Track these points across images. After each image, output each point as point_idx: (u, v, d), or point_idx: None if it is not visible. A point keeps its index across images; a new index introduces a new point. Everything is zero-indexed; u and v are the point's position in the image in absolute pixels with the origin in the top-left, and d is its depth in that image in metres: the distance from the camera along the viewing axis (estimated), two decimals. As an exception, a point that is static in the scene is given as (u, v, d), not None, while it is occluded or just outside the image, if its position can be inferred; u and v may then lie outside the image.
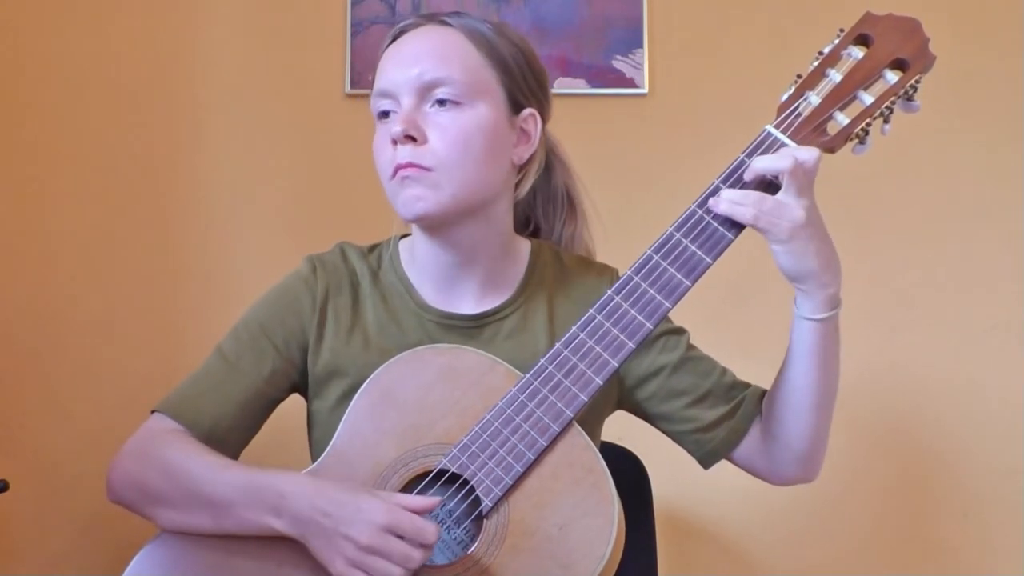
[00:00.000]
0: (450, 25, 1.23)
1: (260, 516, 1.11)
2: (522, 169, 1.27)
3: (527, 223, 1.39)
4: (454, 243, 1.25)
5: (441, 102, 1.19)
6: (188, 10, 2.06)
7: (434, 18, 1.24)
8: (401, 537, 1.05)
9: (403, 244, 1.33)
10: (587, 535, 1.08)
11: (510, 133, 1.24)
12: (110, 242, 2.02)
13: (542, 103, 1.28)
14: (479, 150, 1.19)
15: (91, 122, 2.04)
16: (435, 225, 1.23)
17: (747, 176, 1.10)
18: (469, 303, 1.27)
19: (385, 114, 1.22)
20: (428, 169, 1.18)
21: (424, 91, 1.19)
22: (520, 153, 1.25)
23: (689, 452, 1.30)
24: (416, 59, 1.20)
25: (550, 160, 1.35)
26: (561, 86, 2.02)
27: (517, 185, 1.27)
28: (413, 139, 1.18)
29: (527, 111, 1.25)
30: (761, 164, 1.09)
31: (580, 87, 2.04)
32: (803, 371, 1.18)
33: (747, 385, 1.30)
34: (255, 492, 1.12)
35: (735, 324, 1.93)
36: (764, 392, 1.28)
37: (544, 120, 1.29)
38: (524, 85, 1.25)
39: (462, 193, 1.19)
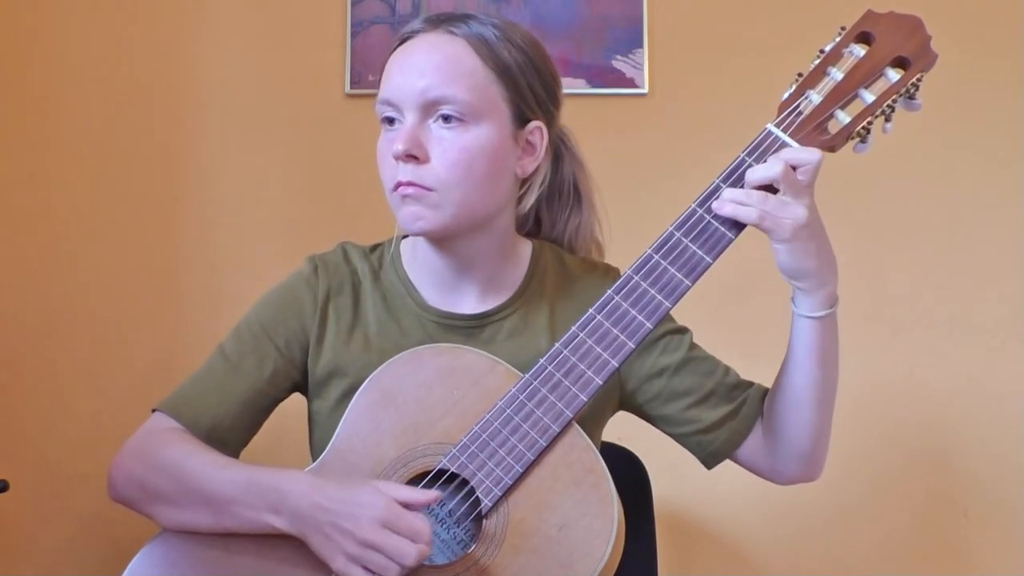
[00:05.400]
0: (456, 35, 1.20)
1: (259, 514, 1.11)
2: (526, 181, 1.26)
3: (532, 219, 1.38)
4: (454, 251, 1.25)
5: (445, 118, 1.17)
6: (189, 10, 2.06)
7: (441, 25, 1.21)
8: (397, 533, 1.05)
9: (405, 244, 1.32)
10: (587, 535, 1.08)
11: (514, 148, 1.22)
12: (111, 242, 2.02)
13: (550, 112, 1.26)
14: (481, 171, 1.18)
15: (91, 122, 2.04)
16: (436, 238, 1.23)
17: (746, 184, 1.10)
18: (470, 303, 1.27)
19: (389, 120, 1.21)
20: (429, 189, 1.17)
21: (428, 107, 1.17)
22: (524, 166, 1.24)
23: (692, 453, 1.30)
24: (421, 73, 1.18)
25: (559, 151, 1.34)
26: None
27: (522, 197, 1.27)
28: (415, 158, 1.17)
29: (533, 124, 1.23)
30: (755, 175, 1.09)
31: (580, 87, 2.04)
32: (804, 369, 1.18)
33: (749, 384, 1.30)
34: (255, 490, 1.12)
35: (736, 323, 1.93)
36: (766, 391, 1.28)
37: (551, 128, 1.27)
38: (531, 97, 1.22)
39: (462, 213, 1.19)
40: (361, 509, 1.06)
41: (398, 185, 1.18)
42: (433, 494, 1.09)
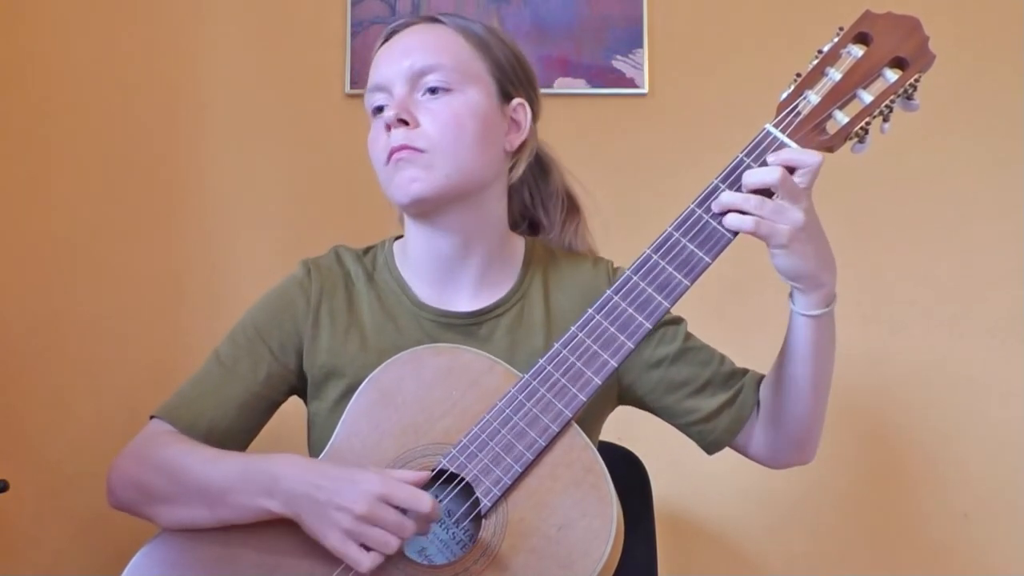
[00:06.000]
0: (441, 22, 1.26)
1: (253, 499, 1.11)
2: (514, 156, 1.29)
3: (526, 223, 1.39)
4: (448, 230, 1.25)
5: (432, 90, 1.22)
6: (189, 10, 2.06)
7: (425, 17, 1.28)
8: (395, 508, 1.05)
9: (397, 245, 1.33)
10: (586, 535, 1.08)
11: (501, 120, 1.26)
12: (111, 242, 2.02)
13: (531, 96, 1.30)
14: (471, 133, 1.21)
15: (92, 122, 2.04)
16: (429, 210, 1.24)
17: (743, 187, 1.10)
18: (465, 300, 1.28)
19: (379, 109, 1.25)
20: (421, 151, 1.20)
21: (415, 79, 1.22)
22: (511, 140, 1.28)
23: (693, 441, 1.31)
24: (407, 52, 1.23)
25: (545, 161, 1.37)
26: (561, 86, 2.02)
27: (510, 171, 1.29)
28: (406, 123, 1.20)
29: (517, 100, 1.28)
30: (752, 179, 1.09)
31: (580, 87, 2.04)
32: (800, 364, 1.19)
33: (745, 372, 1.31)
34: (249, 476, 1.12)
35: (735, 322, 1.93)
36: (762, 377, 1.29)
37: (534, 114, 1.30)
38: (514, 76, 1.28)
39: (456, 175, 1.21)
40: (357, 484, 1.06)
41: (391, 153, 1.20)
42: (424, 473, 1.09)
